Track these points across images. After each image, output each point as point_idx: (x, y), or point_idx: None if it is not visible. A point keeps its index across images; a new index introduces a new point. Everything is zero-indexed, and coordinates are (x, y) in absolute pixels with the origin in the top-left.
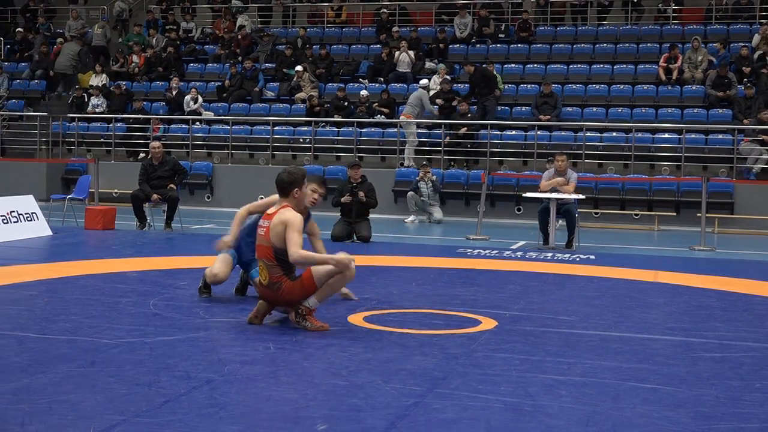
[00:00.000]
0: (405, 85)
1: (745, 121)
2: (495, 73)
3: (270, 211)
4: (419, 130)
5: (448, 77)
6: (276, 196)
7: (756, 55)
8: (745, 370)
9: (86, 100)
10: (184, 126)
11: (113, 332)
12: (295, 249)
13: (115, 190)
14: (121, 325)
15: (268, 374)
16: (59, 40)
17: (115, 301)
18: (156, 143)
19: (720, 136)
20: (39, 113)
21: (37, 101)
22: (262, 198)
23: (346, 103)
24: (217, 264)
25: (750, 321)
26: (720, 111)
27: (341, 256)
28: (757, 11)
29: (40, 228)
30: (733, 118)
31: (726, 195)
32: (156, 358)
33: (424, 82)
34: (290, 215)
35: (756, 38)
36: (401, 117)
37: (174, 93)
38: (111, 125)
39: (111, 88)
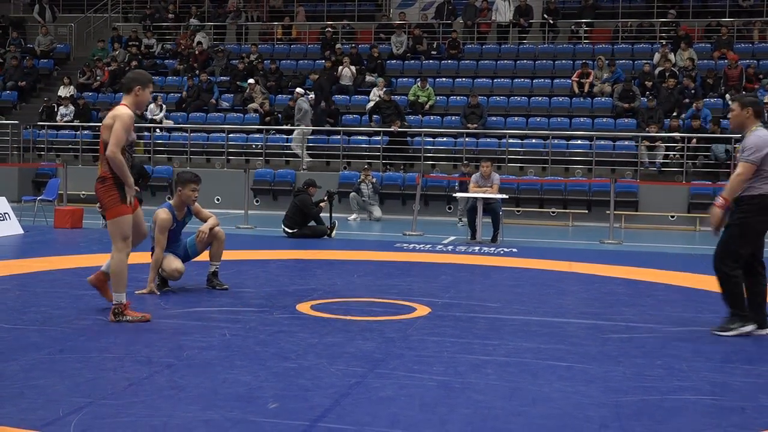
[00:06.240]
0: (347, 97)
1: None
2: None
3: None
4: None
5: (387, 89)
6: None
7: (657, 71)
8: (648, 349)
9: (56, 109)
10: (146, 133)
11: (80, 322)
12: (115, 149)
13: (83, 192)
14: (88, 316)
15: (224, 359)
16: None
17: (82, 293)
18: None
19: (626, 143)
20: (11, 122)
21: (9, 110)
22: (218, 199)
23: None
24: (173, 261)
25: (652, 305)
26: (626, 120)
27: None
28: (658, 32)
29: (13, 227)
30: (637, 127)
31: (631, 194)
32: (120, 346)
33: (298, 90)
34: (123, 110)
35: (656, 56)
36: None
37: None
38: (78, 132)
39: (77, 100)
